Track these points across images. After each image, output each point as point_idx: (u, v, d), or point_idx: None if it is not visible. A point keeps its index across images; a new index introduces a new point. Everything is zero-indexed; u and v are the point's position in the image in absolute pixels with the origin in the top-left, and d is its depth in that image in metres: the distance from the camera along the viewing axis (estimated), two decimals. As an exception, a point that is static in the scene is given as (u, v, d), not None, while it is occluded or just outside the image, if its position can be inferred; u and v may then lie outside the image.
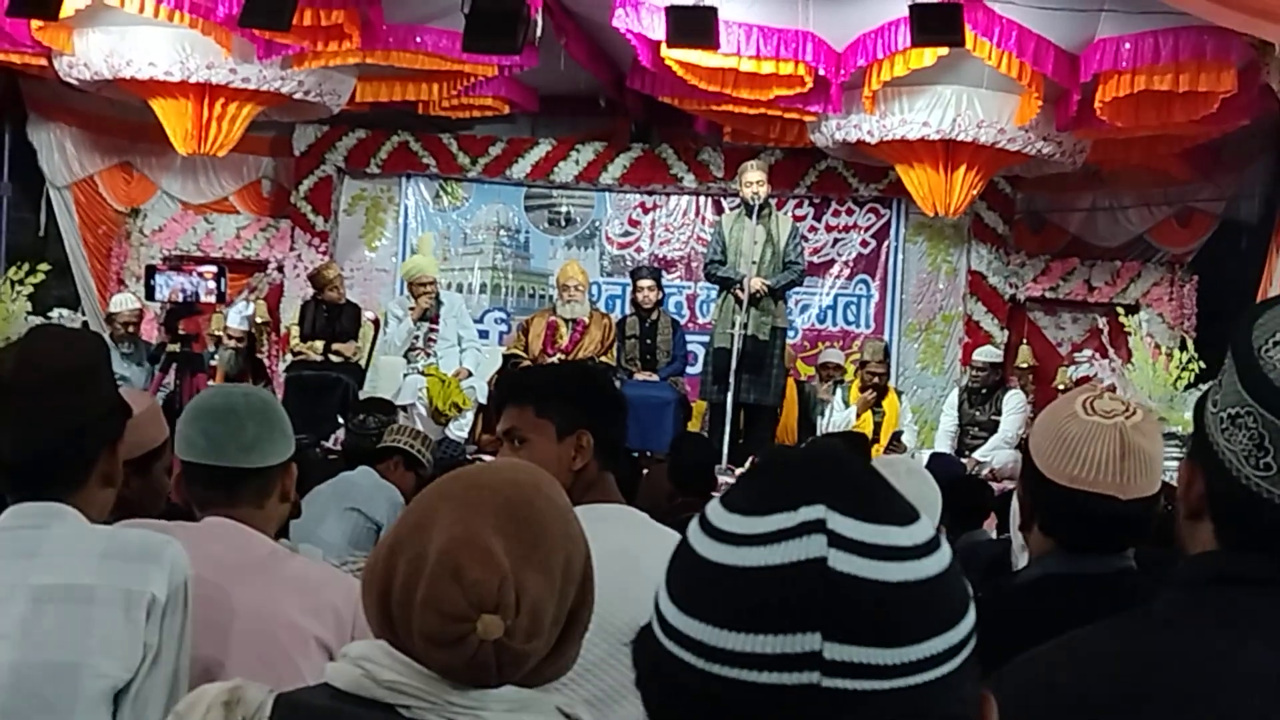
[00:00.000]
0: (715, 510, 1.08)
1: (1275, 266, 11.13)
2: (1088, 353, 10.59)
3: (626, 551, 2.35)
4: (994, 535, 6.82)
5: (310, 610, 2.68)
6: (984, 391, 11.45)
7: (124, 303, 11.68)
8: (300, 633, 2.64)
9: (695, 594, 1.06)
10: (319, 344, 11.23)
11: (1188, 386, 9.81)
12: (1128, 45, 9.50)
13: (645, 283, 11.20)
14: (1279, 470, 1.55)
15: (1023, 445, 2.49)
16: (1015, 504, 3.20)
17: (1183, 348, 9.93)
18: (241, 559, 2.71)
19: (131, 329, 11.44)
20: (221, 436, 2.74)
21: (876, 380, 10.94)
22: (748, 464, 9.25)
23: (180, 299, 4.09)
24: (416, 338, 11.16)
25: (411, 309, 11.17)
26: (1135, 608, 1.70)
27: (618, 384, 3.01)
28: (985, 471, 10.63)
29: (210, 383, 7.06)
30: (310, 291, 11.99)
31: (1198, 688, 1.52)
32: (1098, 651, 1.63)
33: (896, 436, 10.92)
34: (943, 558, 1.06)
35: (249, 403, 2.81)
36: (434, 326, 11.22)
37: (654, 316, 11.13)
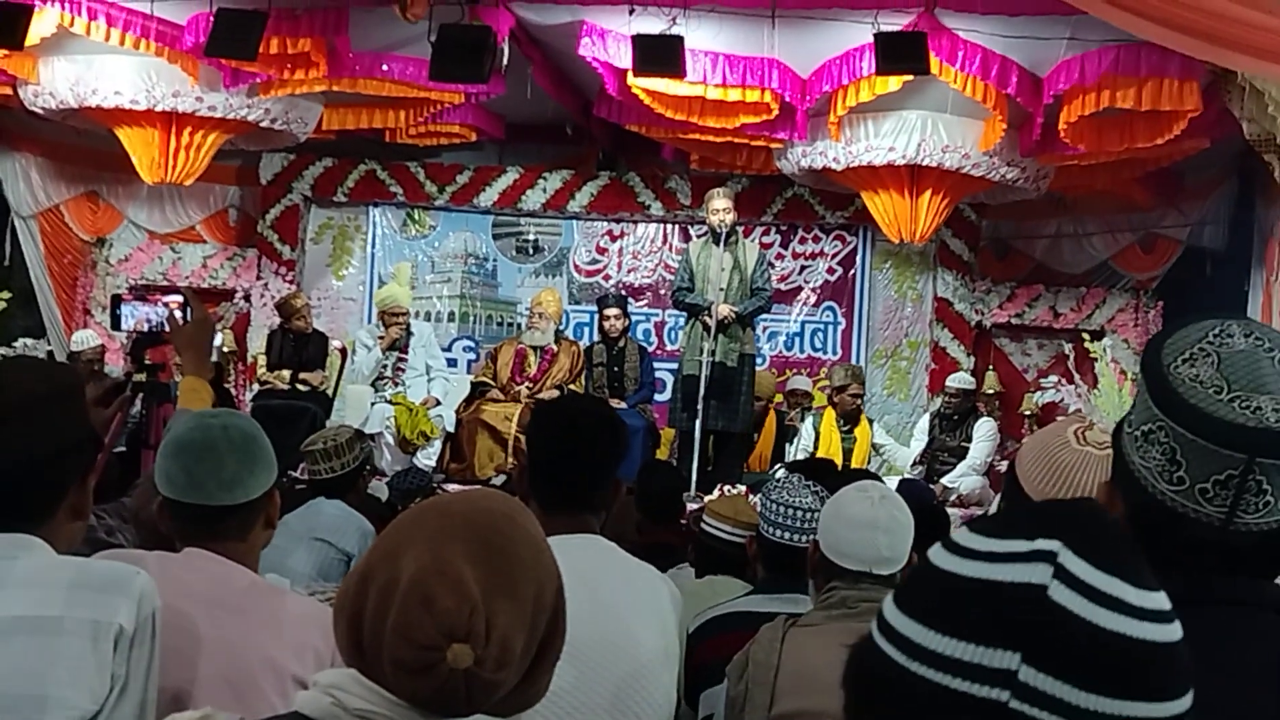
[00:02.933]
0: (962, 531, 1.12)
1: (1272, 298, 11.17)
2: (1053, 378, 10.58)
3: (583, 578, 2.36)
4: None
5: (289, 648, 2.66)
6: (955, 417, 11.48)
7: (86, 340, 11.63)
8: (277, 670, 2.62)
9: (916, 594, 1.10)
10: (286, 373, 11.22)
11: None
12: (1091, 61, 9.55)
13: (612, 311, 11.22)
14: (1191, 484, 1.59)
15: (1008, 470, 2.49)
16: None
17: (1148, 373, 9.95)
18: (219, 592, 2.69)
19: (96, 366, 11.40)
20: (202, 475, 2.73)
21: (857, 405, 10.97)
22: (716, 491, 9.26)
23: (145, 329, 4.05)
24: (385, 367, 11.14)
25: (381, 338, 11.15)
26: None
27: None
28: (954, 497, 10.67)
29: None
30: (278, 321, 11.97)
31: None
32: None
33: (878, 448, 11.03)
34: (1170, 631, 1.07)
35: (229, 437, 2.78)
36: (403, 356, 11.20)
37: (621, 344, 11.15)
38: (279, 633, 2.68)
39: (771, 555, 4.07)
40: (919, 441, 11.61)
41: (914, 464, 11.41)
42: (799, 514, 4.01)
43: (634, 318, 11.79)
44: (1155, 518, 1.64)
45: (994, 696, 1.02)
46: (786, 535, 4.00)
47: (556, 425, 3.07)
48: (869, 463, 11.15)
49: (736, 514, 4.97)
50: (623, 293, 12.53)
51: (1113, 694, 1.02)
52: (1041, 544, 1.06)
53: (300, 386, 11.11)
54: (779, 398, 12.48)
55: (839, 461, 10.10)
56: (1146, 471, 1.64)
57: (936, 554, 1.11)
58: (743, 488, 9.93)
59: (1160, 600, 1.07)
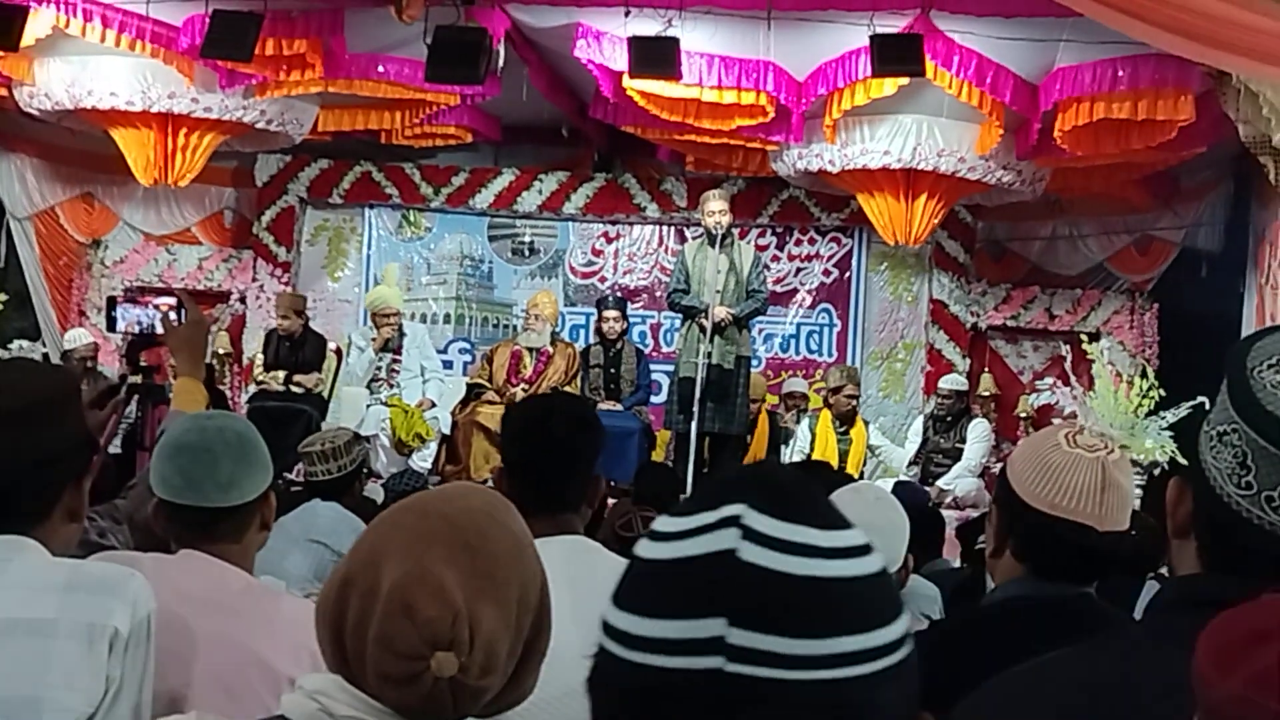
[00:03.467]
0: (661, 518, 1.14)
1: (1265, 300, 11.19)
2: (1049, 381, 10.58)
3: (563, 583, 2.36)
4: (956, 564, 6.85)
5: (285, 650, 2.64)
6: (949, 419, 11.49)
7: (78, 338, 11.63)
8: (272, 673, 2.61)
9: (626, 589, 1.12)
10: (280, 374, 11.21)
11: (1148, 414, 9.84)
12: (1087, 73, 9.58)
13: (611, 313, 11.22)
14: (1259, 490, 1.58)
15: (1000, 472, 2.51)
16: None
17: (1143, 375, 9.95)
18: (214, 594, 2.68)
19: (89, 363, 11.40)
20: (197, 476, 2.72)
21: (852, 406, 10.97)
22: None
23: (136, 331, 4.04)
24: (379, 368, 11.13)
25: (374, 340, 11.14)
26: (1102, 632, 1.73)
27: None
28: (949, 499, 10.67)
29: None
30: (274, 322, 11.99)
31: (1166, 713, 1.54)
32: (1071, 677, 1.65)
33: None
34: (864, 564, 1.09)
35: (225, 439, 2.77)
36: (397, 357, 11.19)
37: (619, 346, 11.15)
38: (274, 635, 2.67)
39: None
40: (912, 443, 11.62)
41: (909, 465, 11.41)
42: None
43: (631, 320, 11.79)
44: (1220, 518, 1.63)
45: (710, 665, 1.04)
46: None
47: (528, 424, 3.05)
48: (864, 464, 11.16)
49: None
50: (622, 295, 12.51)
51: (820, 634, 1.04)
52: (726, 510, 1.08)
53: (294, 388, 11.09)
54: (772, 400, 12.49)
55: (834, 463, 10.09)
56: (1217, 472, 1.63)
57: (640, 545, 1.13)
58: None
59: (849, 537, 1.09)
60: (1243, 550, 1.61)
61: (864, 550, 1.10)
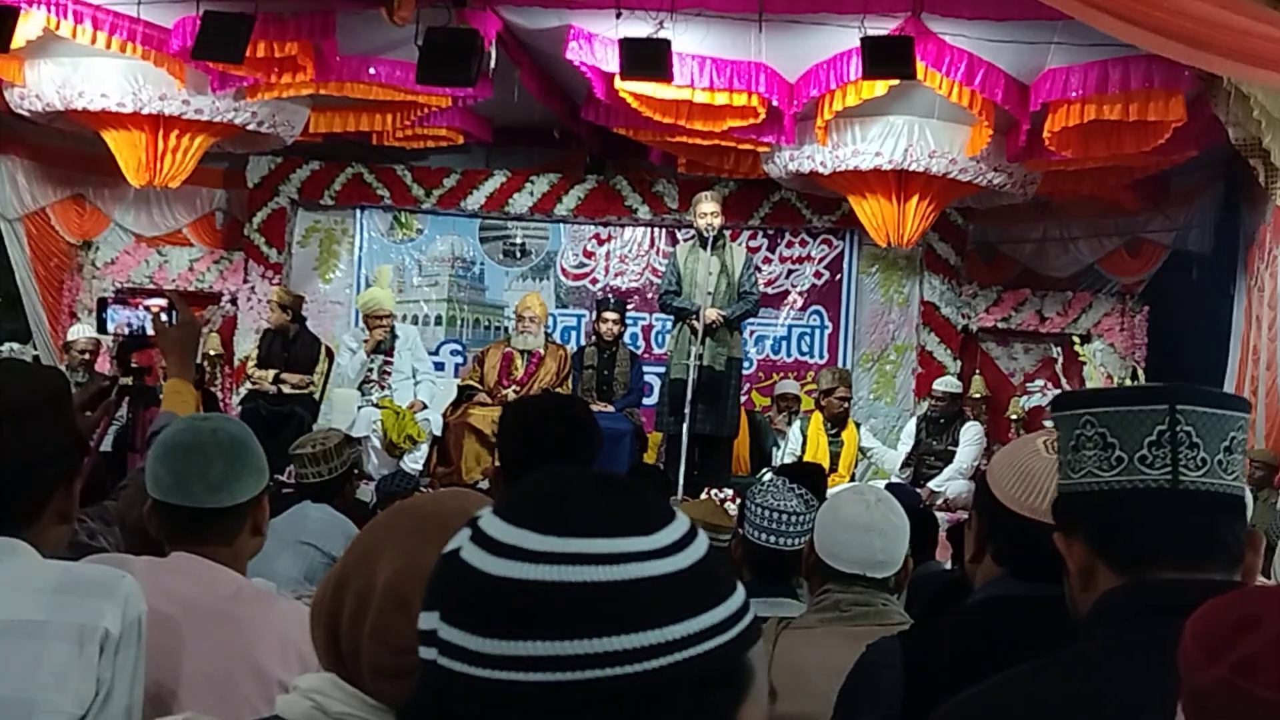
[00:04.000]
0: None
1: (1252, 301, 11.22)
2: (1040, 383, 10.64)
3: None
4: (948, 565, 6.85)
5: (275, 652, 2.64)
6: (942, 421, 11.50)
7: (80, 332, 11.62)
8: (262, 674, 2.61)
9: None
10: (270, 373, 11.20)
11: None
12: (1077, 74, 9.59)
13: (610, 315, 11.22)
14: (1130, 457, 1.68)
15: (979, 479, 2.53)
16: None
17: (1134, 377, 10.02)
18: (205, 596, 2.68)
19: (88, 357, 11.40)
20: (188, 476, 2.71)
21: (844, 408, 10.98)
22: (704, 496, 9.26)
23: (125, 333, 4.04)
24: (370, 370, 11.12)
25: (365, 341, 11.13)
26: (1068, 644, 1.75)
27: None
28: (940, 501, 10.67)
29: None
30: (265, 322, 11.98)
31: None
32: (1039, 693, 1.66)
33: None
34: (567, 572, 1.09)
35: (218, 440, 2.76)
36: (388, 359, 11.18)
37: (614, 349, 11.15)
38: (265, 637, 2.67)
39: (756, 559, 4.06)
40: (905, 445, 11.63)
41: (901, 466, 11.42)
42: (783, 518, 4.01)
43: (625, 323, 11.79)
44: (1114, 515, 1.70)
45: (431, 657, 1.11)
46: (771, 539, 4.00)
47: (525, 424, 3.04)
48: (855, 466, 11.17)
49: (707, 516, 4.97)
50: (621, 298, 12.49)
51: (506, 635, 1.07)
52: (481, 515, 1.15)
53: (283, 388, 11.08)
54: (763, 401, 12.50)
55: (825, 465, 10.09)
56: (1092, 481, 1.71)
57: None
58: (729, 491, 9.94)
59: (574, 544, 1.10)
60: (1142, 524, 1.69)
61: (581, 559, 1.09)
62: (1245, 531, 1.74)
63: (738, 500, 9.85)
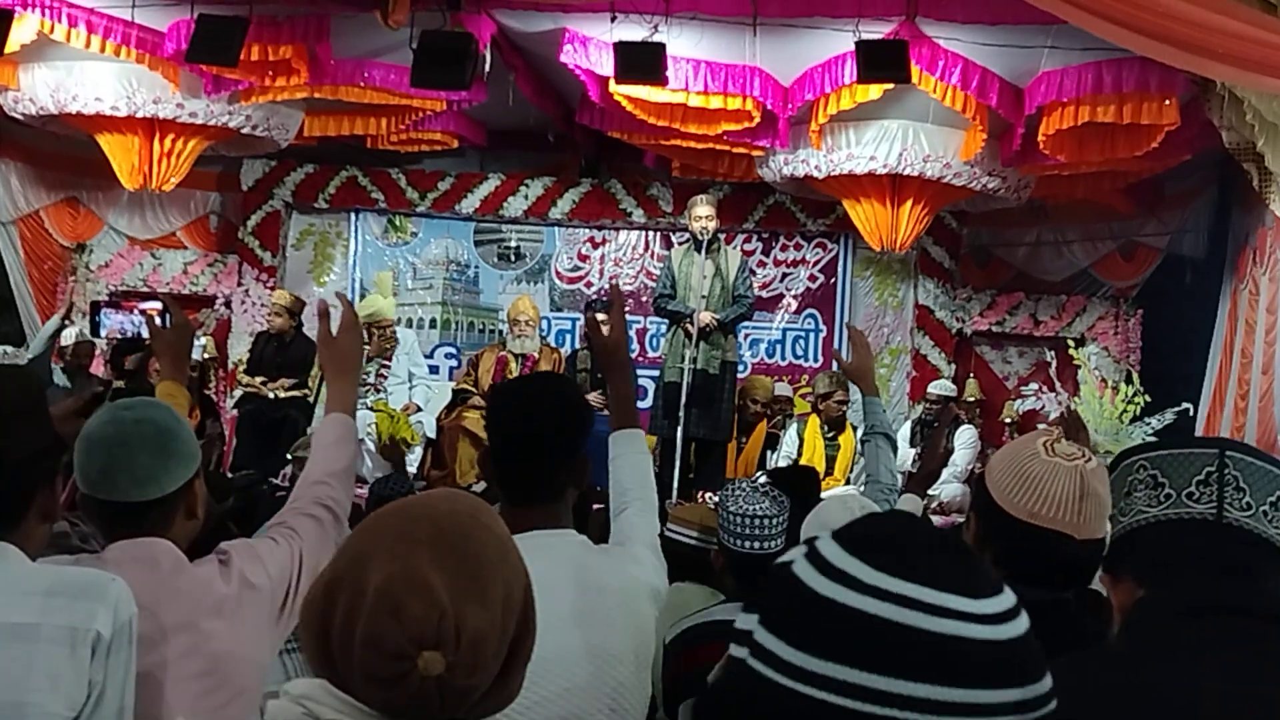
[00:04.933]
0: None
1: (1239, 304, 11.22)
2: (1034, 386, 10.63)
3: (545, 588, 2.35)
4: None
5: (213, 610, 2.66)
6: (936, 424, 11.47)
7: (70, 336, 11.61)
8: (207, 636, 2.63)
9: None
10: (257, 379, 11.19)
11: (1133, 420, 9.88)
12: (1072, 77, 9.59)
13: (599, 316, 11.19)
14: (1178, 493, 1.73)
15: (977, 481, 2.53)
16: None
17: (1128, 381, 10.00)
18: (155, 575, 2.64)
19: (84, 362, 11.38)
20: (114, 470, 2.67)
21: (842, 412, 10.96)
22: (698, 499, 9.25)
23: (119, 337, 4.04)
24: (368, 374, 11.10)
25: (368, 346, 11.09)
26: (1082, 637, 1.76)
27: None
28: (934, 504, 10.66)
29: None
30: (260, 326, 11.96)
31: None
32: (1084, 685, 1.66)
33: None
34: (904, 614, 1.12)
35: (141, 430, 2.71)
36: (385, 363, 11.16)
37: (606, 351, 11.10)
38: (202, 598, 2.67)
39: (738, 566, 4.05)
40: (901, 448, 11.60)
41: (913, 462, 11.35)
42: (758, 522, 4.00)
43: (618, 324, 11.75)
44: (1157, 542, 1.75)
45: (740, 655, 1.17)
46: (749, 545, 3.99)
47: (512, 407, 2.99)
48: (851, 469, 11.15)
49: (701, 519, 4.96)
50: (611, 298, 12.45)
51: (819, 653, 1.11)
52: (819, 536, 1.20)
53: (278, 392, 11.07)
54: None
55: (821, 469, 10.08)
56: (1142, 518, 1.76)
57: (807, 532, 1.25)
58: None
59: (903, 587, 1.13)
60: (1187, 551, 1.73)
61: (918, 606, 1.12)
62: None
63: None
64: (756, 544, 3.97)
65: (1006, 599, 1.17)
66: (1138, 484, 1.77)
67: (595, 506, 7.23)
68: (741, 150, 11.63)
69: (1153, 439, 9.47)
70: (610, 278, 13.73)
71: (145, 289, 13.45)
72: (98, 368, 11.68)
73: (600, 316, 10.91)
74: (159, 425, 2.75)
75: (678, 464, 9.86)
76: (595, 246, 13.90)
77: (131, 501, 2.68)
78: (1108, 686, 1.63)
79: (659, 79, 9.70)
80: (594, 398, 10.29)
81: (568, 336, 13.40)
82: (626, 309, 12.81)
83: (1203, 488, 1.71)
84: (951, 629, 1.12)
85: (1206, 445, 1.76)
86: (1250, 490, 1.71)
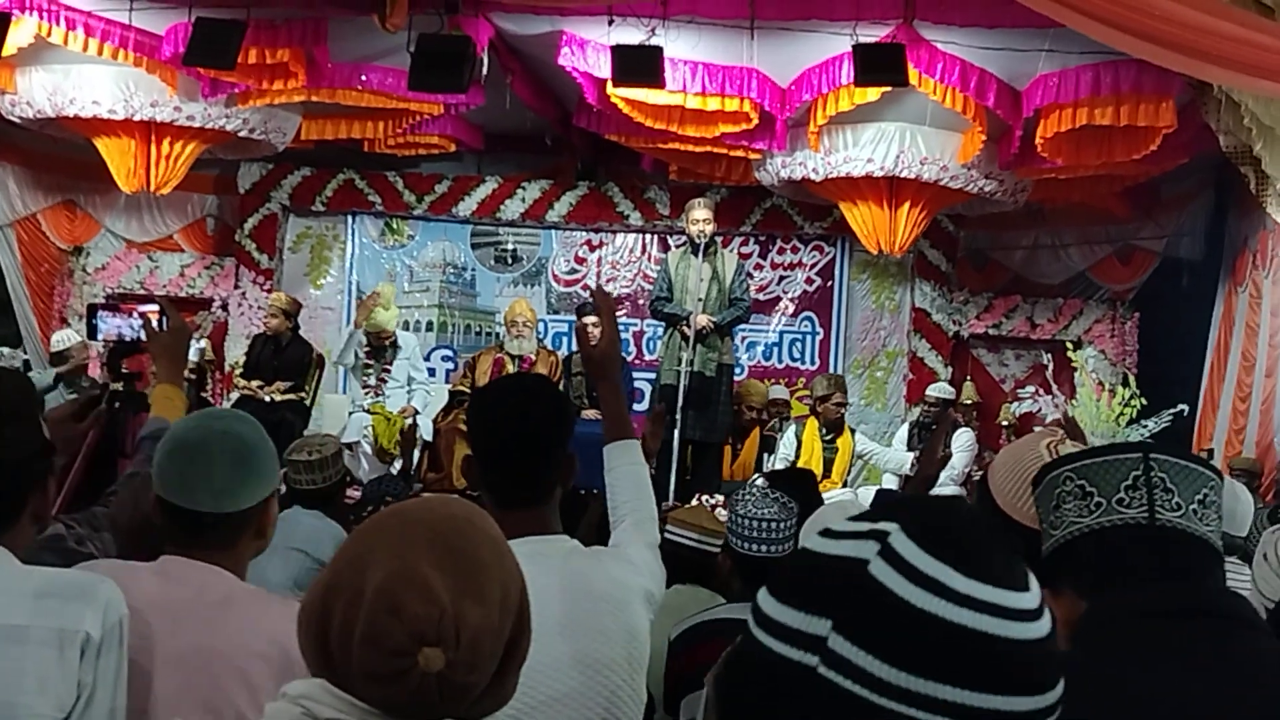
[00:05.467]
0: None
1: (1235, 306, 11.23)
2: (1031, 389, 10.64)
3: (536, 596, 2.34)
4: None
5: (260, 655, 2.59)
6: (934, 427, 11.46)
7: (66, 339, 11.58)
8: (246, 678, 2.58)
9: (781, 569, 1.16)
10: (253, 383, 11.18)
11: (1130, 422, 9.89)
12: (1069, 79, 9.59)
13: (590, 319, 11.17)
14: (1108, 501, 1.74)
15: (980, 483, 2.52)
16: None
17: (1125, 384, 10.02)
18: (193, 600, 2.61)
19: (79, 365, 11.37)
20: (193, 479, 2.64)
21: (841, 414, 10.95)
22: (694, 501, 9.25)
23: (113, 339, 4.04)
24: (368, 375, 11.09)
25: (365, 348, 11.06)
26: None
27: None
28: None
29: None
30: (256, 328, 11.95)
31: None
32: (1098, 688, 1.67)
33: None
34: (1001, 625, 1.07)
35: (225, 443, 2.68)
36: (386, 366, 11.16)
37: (600, 353, 11.10)
38: (253, 641, 2.63)
39: (746, 568, 4.07)
40: (898, 450, 11.59)
41: (910, 466, 11.33)
42: (767, 525, 4.02)
43: (613, 327, 11.74)
44: (1094, 550, 1.75)
45: (806, 661, 1.07)
46: (757, 548, 4.01)
47: (495, 409, 2.96)
48: (849, 472, 11.14)
49: (699, 521, 4.96)
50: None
51: (917, 672, 1.04)
52: (882, 525, 1.11)
53: (274, 395, 11.06)
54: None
55: (819, 471, 10.07)
56: (1075, 528, 1.77)
57: (809, 536, 1.16)
58: (720, 497, 9.93)
59: (995, 595, 1.08)
60: (1121, 553, 1.74)
61: (1016, 614, 1.08)
62: (1224, 581, 1.78)
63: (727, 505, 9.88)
64: (764, 547, 3.98)
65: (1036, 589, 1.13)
66: (1066, 495, 1.78)
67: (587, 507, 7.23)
68: (739, 153, 11.64)
69: (1148, 441, 9.55)
70: (605, 280, 13.73)
71: (142, 292, 13.44)
72: (94, 370, 11.68)
73: (589, 319, 10.97)
74: (244, 439, 2.72)
75: (674, 466, 9.86)
76: (592, 249, 13.91)
77: (204, 512, 2.65)
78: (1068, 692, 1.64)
79: (657, 82, 9.70)
80: (590, 414, 10.31)
81: (564, 339, 13.40)
82: (623, 312, 12.88)
83: (1131, 492, 1.73)
84: (1019, 632, 1.08)
85: (1129, 450, 1.77)
86: (1178, 490, 1.72)
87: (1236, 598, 1.78)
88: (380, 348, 11.09)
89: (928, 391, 11.86)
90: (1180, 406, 9.81)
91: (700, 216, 10.09)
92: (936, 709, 1.04)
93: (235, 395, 11.57)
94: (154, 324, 3.83)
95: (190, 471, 2.64)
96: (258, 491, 2.71)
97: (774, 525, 3.99)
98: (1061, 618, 1.78)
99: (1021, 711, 1.07)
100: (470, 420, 2.99)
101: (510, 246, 13.97)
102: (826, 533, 1.14)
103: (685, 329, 10.03)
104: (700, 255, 10.01)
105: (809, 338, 13.72)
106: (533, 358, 11.10)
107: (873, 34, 9.51)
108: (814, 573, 1.11)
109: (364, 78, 10.82)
